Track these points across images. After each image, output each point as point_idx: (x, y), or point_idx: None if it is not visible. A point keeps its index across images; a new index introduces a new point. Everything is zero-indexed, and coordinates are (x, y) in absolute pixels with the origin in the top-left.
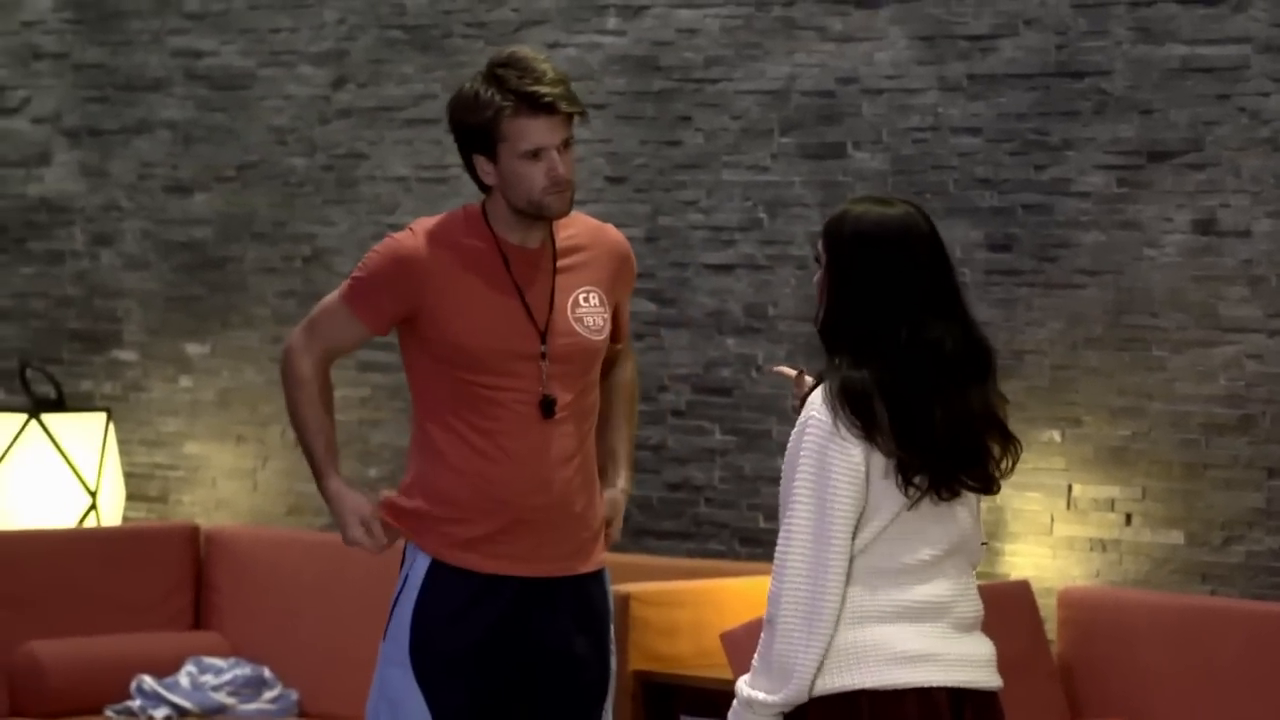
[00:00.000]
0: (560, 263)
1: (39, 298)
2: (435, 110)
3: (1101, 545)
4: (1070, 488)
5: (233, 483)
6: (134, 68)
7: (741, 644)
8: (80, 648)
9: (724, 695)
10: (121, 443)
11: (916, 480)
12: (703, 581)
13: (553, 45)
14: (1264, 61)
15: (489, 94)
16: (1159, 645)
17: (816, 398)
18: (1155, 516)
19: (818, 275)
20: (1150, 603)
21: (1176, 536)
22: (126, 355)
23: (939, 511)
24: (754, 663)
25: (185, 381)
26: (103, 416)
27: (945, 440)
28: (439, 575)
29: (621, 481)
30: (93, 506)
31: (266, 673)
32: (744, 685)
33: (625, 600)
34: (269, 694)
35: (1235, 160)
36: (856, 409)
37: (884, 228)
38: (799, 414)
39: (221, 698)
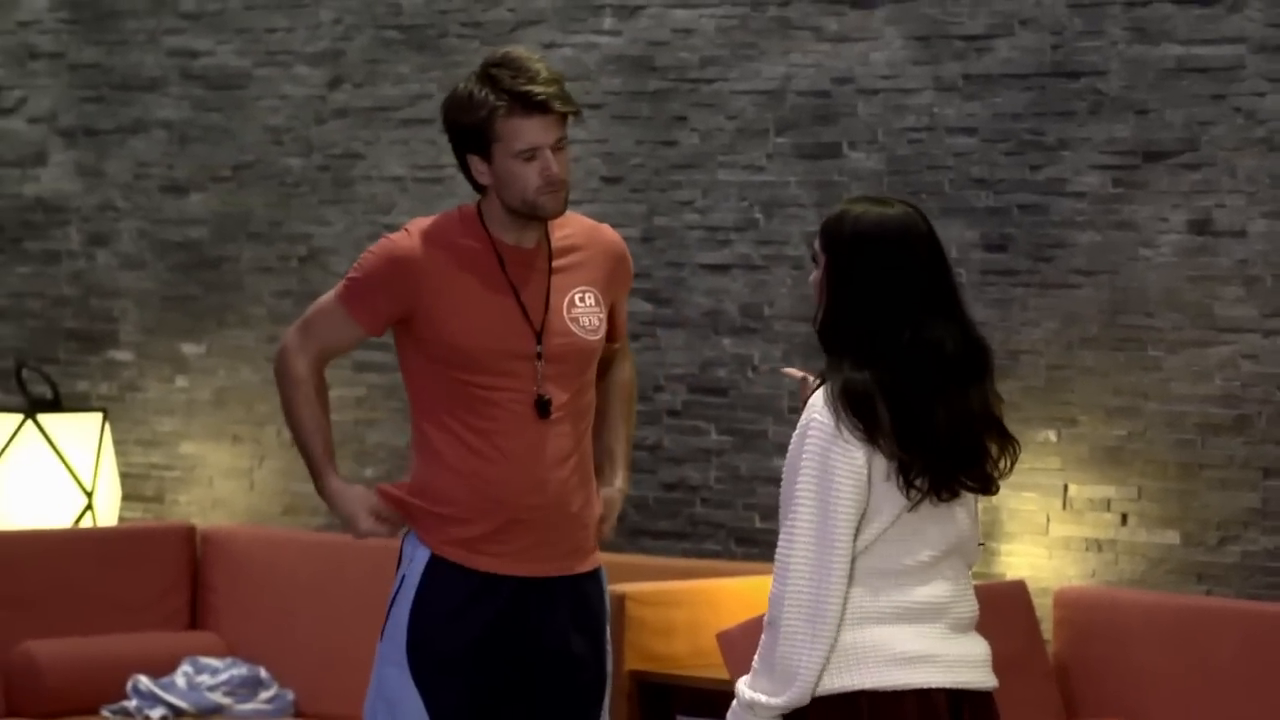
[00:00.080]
0: (556, 263)
1: (35, 298)
2: (431, 110)
3: (1097, 545)
4: (1066, 488)
5: (229, 482)
6: (130, 67)
7: (738, 644)
8: (76, 648)
9: (720, 695)
10: (117, 443)
11: (917, 482)
12: (699, 581)
13: (548, 45)
14: (1259, 61)
15: (483, 94)
16: (1155, 645)
17: (818, 400)
18: (1151, 516)
19: (814, 275)
20: (1146, 603)
21: (1172, 536)
22: (122, 355)
23: (938, 513)
24: (755, 664)
25: (181, 381)
26: (99, 416)
27: (946, 441)
28: (436, 575)
29: (619, 481)
30: (89, 506)
31: (263, 673)
32: (744, 687)
33: (621, 600)
34: (265, 694)
35: (1230, 160)
36: (859, 412)
37: (884, 228)
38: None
39: (218, 698)
